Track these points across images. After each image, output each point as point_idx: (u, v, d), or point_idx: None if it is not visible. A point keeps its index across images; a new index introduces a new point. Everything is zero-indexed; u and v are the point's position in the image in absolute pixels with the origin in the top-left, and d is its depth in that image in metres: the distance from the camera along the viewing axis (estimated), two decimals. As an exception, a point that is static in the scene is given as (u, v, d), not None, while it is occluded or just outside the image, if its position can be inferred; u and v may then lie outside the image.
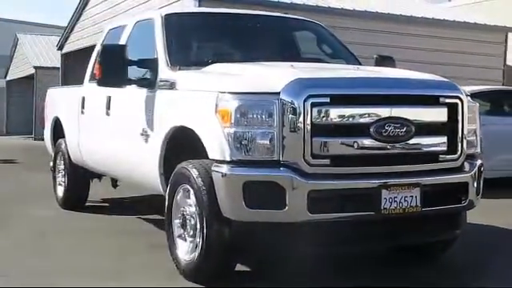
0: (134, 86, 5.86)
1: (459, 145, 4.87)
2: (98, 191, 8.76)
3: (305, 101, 4.40)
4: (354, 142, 4.52)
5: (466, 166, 4.93)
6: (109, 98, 6.55)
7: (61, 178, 8.60)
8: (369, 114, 4.54)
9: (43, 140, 9.76)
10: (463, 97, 4.90)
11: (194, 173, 4.78)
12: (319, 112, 4.44)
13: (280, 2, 13.03)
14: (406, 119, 4.62)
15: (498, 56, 14.51)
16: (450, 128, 4.83)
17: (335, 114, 4.49)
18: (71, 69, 21.82)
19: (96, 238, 6.71)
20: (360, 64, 6.27)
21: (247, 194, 4.40)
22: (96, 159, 7.22)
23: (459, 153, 4.87)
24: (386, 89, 4.70)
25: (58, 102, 8.66)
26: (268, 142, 4.43)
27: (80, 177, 8.21)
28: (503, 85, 14.06)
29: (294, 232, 4.51)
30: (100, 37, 7.76)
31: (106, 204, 9.09)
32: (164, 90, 5.47)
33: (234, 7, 10.66)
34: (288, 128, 4.42)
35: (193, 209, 4.90)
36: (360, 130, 4.53)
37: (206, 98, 4.74)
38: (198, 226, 4.80)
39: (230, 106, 4.51)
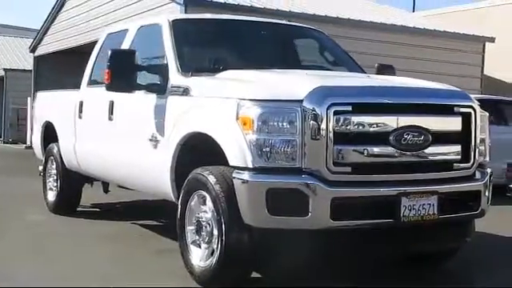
0: (142, 92, 5.83)
1: (472, 153, 4.96)
2: (87, 196, 8.65)
3: (328, 109, 4.45)
4: (375, 149, 4.58)
5: (478, 174, 5.03)
6: (111, 103, 6.51)
7: (52, 183, 8.50)
8: (389, 123, 4.60)
9: (15, 143, 9.63)
10: (476, 106, 4.99)
11: (212, 179, 4.78)
12: (341, 120, 4.49)
13: (266, 8, 13.08)
14: (423, 128, 4.69)
15: (476, 65, 14.77)
16: (463, 137, 4.92)
17: (356, 122, 4.54)
18: (44, 72, 21.59)
19: (96, 244, 6.66)
20: (365, 72, 6.34)
21: (270, 200, 4.42)
22: (95, 164, 7.16)
23: (472, 161, 4.96)
24: (405, 98, 4.77)
25: (50, 106, 8.55)
26: (290, 150, 4.46)
27: (73, 182, 8.13)
28: (481, 94, 14.32)
29: (314, 238, 4.54)
30: (98, 41, 7.69)
31: (97, 209, 9.02)
32: (176, 95, 5.46)
33: (221, 13, 10.73)
34: (310, 135, 4.45)
35: (209, 215, 4.90)
36: (380, 138, 4.59)
37: (226, 105, 4.75)
38: (216, 233, 4.80)
39: (252, 113, 4.52)
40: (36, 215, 8.20)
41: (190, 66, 5.66)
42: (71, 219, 7.99)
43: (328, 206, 4.40)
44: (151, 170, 5.74)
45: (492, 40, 15.17)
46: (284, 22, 7.03)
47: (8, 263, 5.81)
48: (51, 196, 8.47)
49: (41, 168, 9.00)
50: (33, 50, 22.87)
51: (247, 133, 4.53)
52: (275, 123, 4.49)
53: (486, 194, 5.04)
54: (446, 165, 4.88)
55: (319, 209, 4.40)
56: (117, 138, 6.48)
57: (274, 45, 6.63)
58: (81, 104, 7.41)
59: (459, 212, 4.93)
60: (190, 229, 5.13)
